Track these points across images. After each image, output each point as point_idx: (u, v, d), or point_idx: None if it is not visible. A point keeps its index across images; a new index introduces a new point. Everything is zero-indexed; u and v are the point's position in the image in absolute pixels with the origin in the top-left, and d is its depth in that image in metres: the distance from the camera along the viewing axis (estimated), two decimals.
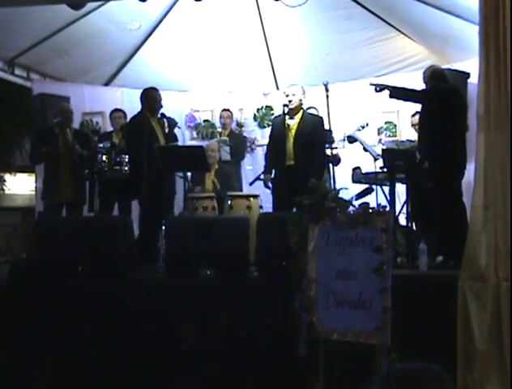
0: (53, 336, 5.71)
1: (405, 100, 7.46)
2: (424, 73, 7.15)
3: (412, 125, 8.59)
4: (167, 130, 7.87)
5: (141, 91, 8.16)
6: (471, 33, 6.96)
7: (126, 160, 7.91)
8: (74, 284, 5.88)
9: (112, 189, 8.22)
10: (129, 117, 9.08)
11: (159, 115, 7.89)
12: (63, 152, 8.35)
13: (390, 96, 7.11)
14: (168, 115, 7.99)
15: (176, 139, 8.12)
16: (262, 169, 9.48)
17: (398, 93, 7.15)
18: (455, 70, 8.93)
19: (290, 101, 7.63)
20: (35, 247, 6.32)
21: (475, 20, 5.10)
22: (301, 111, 7.76)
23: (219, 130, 10.42)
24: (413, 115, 8.51)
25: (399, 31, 9.83)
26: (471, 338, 4.74)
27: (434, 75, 7.03)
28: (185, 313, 5.65)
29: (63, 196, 8.32)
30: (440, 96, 6.84)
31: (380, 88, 7.10)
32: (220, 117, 10.24)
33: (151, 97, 7.93)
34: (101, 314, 5.71)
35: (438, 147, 6.56)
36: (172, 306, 5.69)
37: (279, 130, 7.77)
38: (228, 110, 10.26)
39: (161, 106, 7.92)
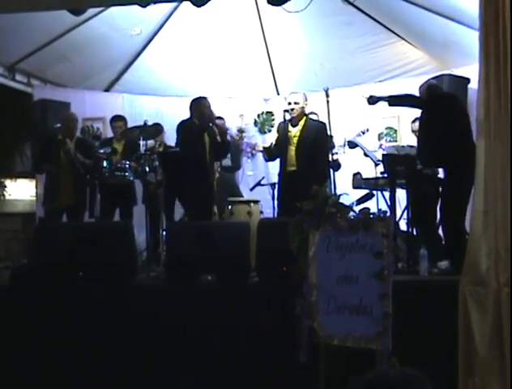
0: (55, 342, 5.71)
1: (405, 105, 7.47)
2: (419, 88, 7.18)
3: (413, 131, 8.58)
4: (219, 139, 7.84)
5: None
6: (471, 39, 6.96)
7: (127, 165, 7.90)
8: (75, 289, 5.89)
9: (113, 194, 8.23)
10: (129, 122, 9.09)
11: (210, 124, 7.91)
12: (64, 159, 8.36)
13: (390, 105, 7.13)
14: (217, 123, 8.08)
15: (227, 147, 8.19)
16: (262, 175, 9.50)
17: (397, 101, 7.17)
18: (455, 76, 8.94)
19: (292, 110, 7.64)
20: (36, 253, 6.33)
21: (476, 26, 5.11)
22: (304, 118, 7.77)
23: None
24: (413, 121, 8.50)
25: (399, 36, 9.84)
26: (472, 343, 4.73)
27: (430, 89, 7.07)
28: (185, 318, 5.65)
29: (63, 201, 8.31)
30: (439, 100, 6.87)
31: (373, 101, 7.12)
32: None
33: (198, 106, 7.94)
34: (102, 319, 5.71)
35: (440, 153, 6.56)
36: (173, 312, 5.69)
37: (282, 137, 7.78)
38: (221, 118, 10.23)
39: (211, 115, 7.98)
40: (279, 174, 7.83)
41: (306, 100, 7.78)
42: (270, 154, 8.06)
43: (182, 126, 7.95)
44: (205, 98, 8.04)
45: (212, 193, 7.84)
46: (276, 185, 8.05)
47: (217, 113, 10.38)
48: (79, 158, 8.30)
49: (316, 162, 7.52)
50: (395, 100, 7.10)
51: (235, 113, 10.97)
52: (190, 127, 7.82)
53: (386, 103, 7.07)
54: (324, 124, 7.77)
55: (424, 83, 7.24)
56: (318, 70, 10.45)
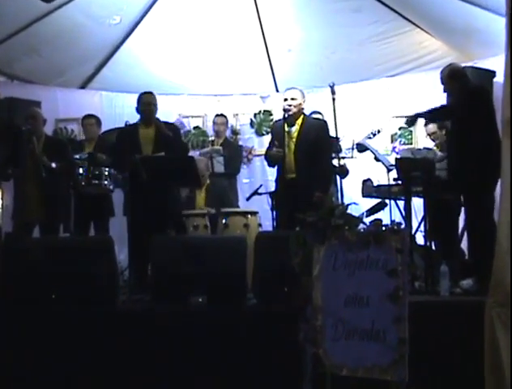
0: (24, 372, 5.68)
1: (445, 119, 7.37)
2: (441, 73, 7.15)
3: (428, 134, 8.60)
4: (169, 133, 7.82)
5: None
6: (497, 26, 6.99)
7: (106, 172, 7.89)
8: (48, 314, 5.87)
9: (87, 206, 8.19)
10: (107, 123, 9.08)
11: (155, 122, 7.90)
12: (30, 166, 8.18)
13: (429, 122, 7.11)
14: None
15: (175, 142, 8.03)
16: (260, 182, 9.46)
17: (437, 115, 7.13)
18: (479, 69, 8.96)
19: (290, 106, 7.58)
20: (2, 273, 6.30)
21: (502, 11, 5.12)
22: (302, 116, 7.73)
23: (212, 138, 10.40)
24: (425, 124, 8.51)
25: (415, 24, 9.87)
26: (502, 374, 4.70)
27: (453, 75, 7.02)
28: (173, 345, 5.64)
29: (33, 215, 8.20)
30: (474, 96, 6.83)
31: (412, 121, 7.11)
32: (214, 123, 10.22)
33: (140, 103, 7.97)
34: (77, 347, 5.69)
35: (476, 156, 6.53)
36: (159, 338, 5.67)
37: (279, 139, 7.69)
38: (223, 116, 10.24)
39: (154, 111, 7.94)
40: (277, 181, 7.77)
41: (304, 97, 7.73)
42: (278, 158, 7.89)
43: (120, 131, 8.08)
44: (149, 93, 8.02)
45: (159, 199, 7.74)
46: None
47: (213, 112, 10.45)
48: (44, 161, 8.16)
49: (318, 166, 7.46)
50: (435, 116, 7.07)
51: (228, 112, 10.96)
52: (129, 131, 7.86)
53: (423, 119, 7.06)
54: (325, 122, 7.77)
55: (446, 68, 7.18)
56: (323, 64, 10.48)
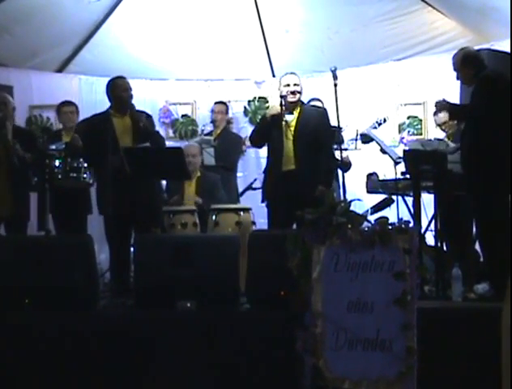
0: None
1: (464, 120, 7.36)
2: (453, 58, 7.14)
3: (438, 125, 8.60)
4: (142, 125, 7.67)
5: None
6: None
7: (85, 165, 7.86)
8: (20, 320, 5.86)
9: (66, 201, 8.17)
10: (87, 110, 9.04)
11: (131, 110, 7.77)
12: (1, 153, 8.10)
13: (452, 118, 7.15)
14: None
15: (156, 138, 7.97)
16: (254, 176, 9.44)
17: (458, 114, 7.16)
18: (496, 51, 8.95)
19: (293, 93, 7.56)
20: None
21: None
22: (299, 104, 7.71)
23: (204, 127, 10.38)
24: (435, 113, 8.51)
25: (426, 2, 9.86)
26: None
27: (467, 61, 7.01)
28: (157, 357, 5.63)
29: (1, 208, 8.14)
30: (490, 88, 6.82)
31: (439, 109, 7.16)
32: (211, 111, 10.21)
33: (115, 89, 7.82)
34: (53, 359, 5.68)
35: (491, 152, 6.53)
36: (142, 348, 5.67)
37: (275, 128, 7.68)
38: (222, 103, 10.23)
39: (130, 98, 7.81)
40: (266, 172, 7.80)
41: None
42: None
43: (91, 120, 7.97)
44: (121, 78, 7.90)
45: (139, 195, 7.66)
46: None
47: (203, 98, 10.43)
48: (18, 150, 8.04)
49: (319, 158, 7.47)
50: (457, 114, 7.11)
51: (220, 99, 10.95)
52: (103, 120, 7.68)
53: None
54: (325, 110, 7.78)
55: (458, 53, 7.15)
56: (324, 46, 10.48)
